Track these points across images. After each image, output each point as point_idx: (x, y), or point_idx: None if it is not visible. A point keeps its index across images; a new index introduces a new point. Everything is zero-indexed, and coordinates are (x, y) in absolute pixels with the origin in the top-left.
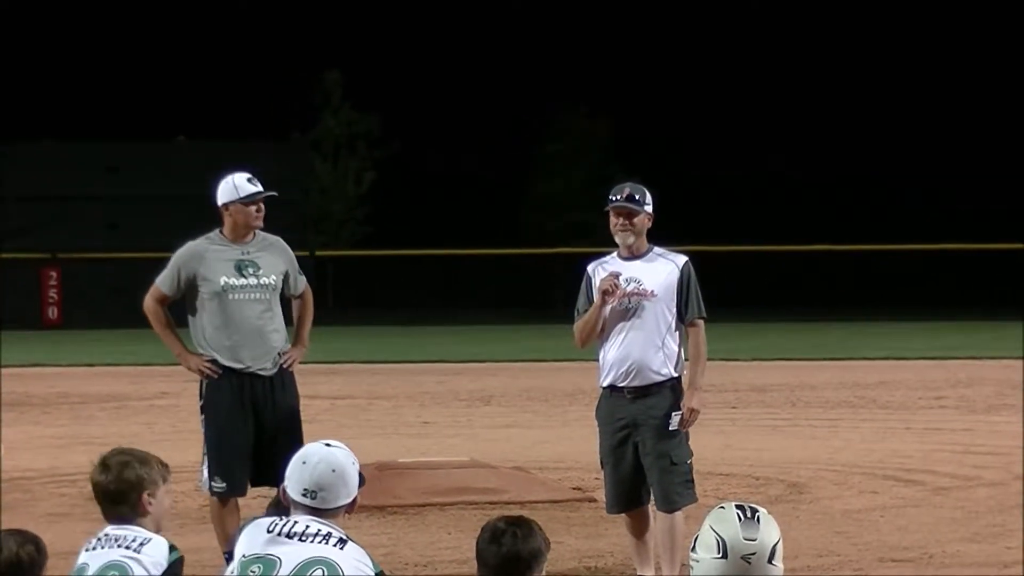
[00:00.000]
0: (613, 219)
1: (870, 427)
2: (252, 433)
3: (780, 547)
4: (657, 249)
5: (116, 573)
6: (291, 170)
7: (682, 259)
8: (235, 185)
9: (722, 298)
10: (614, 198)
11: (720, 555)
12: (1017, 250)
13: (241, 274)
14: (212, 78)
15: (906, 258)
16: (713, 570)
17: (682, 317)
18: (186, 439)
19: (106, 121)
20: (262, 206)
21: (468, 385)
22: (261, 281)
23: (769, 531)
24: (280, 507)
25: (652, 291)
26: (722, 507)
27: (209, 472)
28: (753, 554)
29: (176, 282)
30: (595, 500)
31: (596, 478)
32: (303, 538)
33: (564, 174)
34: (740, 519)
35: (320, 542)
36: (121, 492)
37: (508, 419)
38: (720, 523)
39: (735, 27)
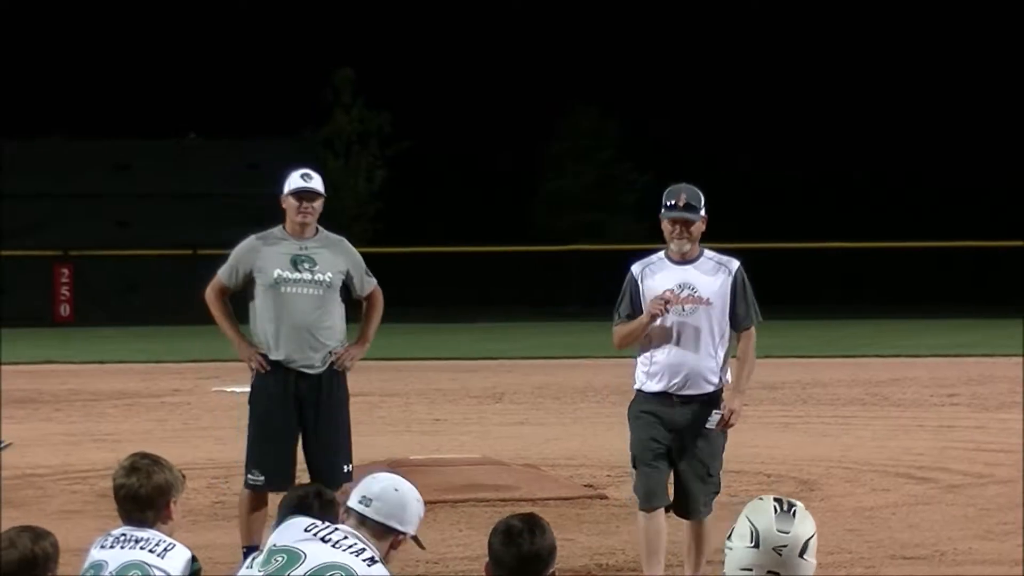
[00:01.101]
0: (669, 227)
1: (882, 424)
2: (296, 430)
3: (814, 542)
4: (708, 252)
5: (138, 573)
6: (303, 167)
7: (735, 264)
8: (289, 178)
9: None
10: (670, 203)
11: (752, 544)
12: (1017, 247)
13: (296, 268)
14: (223, 75)
15: (919, 255)
16: (745, 559)
17: (737, 323)
18: (198, 436)
19: (117, 119)
20: (309, 204)
21: (480, 382)
22: (316, 277)
23: (804, 525)
24: (299, 510)
25: (708, 299)
26: (760, 499)
27: (247, 464)
28: (785, 546)
29: (234, 274)
30: (606, 497)
31: (608, 475)
32: (336, 545)
33: (575, 172)
34: (776, 511)
35: (352, 553)
36: (150, 497)
37: (520, 416)
38: (756, 513)
39: (741, 23)
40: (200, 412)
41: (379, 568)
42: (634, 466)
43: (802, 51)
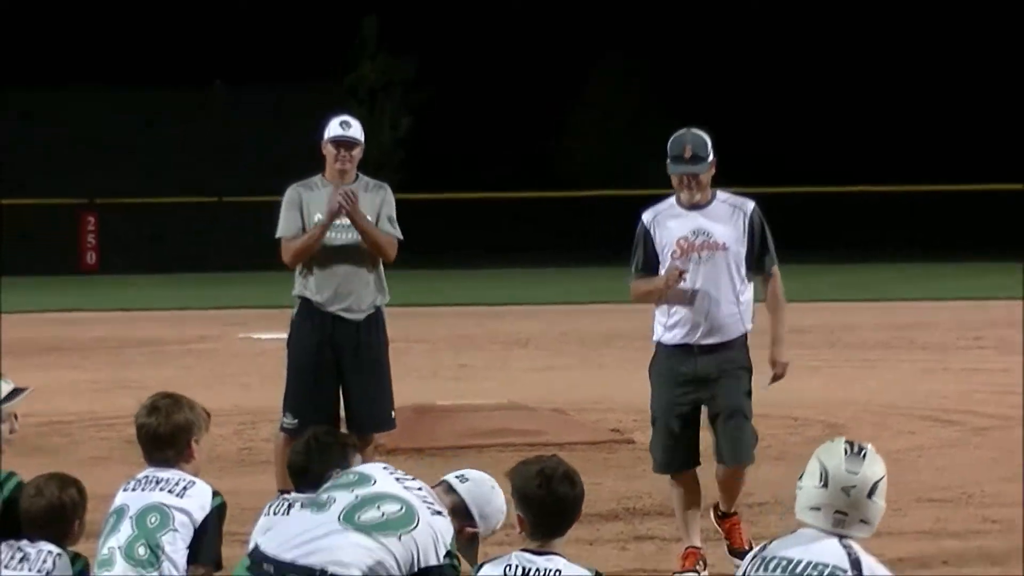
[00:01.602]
0: (676, 181)
1: (908, 368)
2: (334, 376)
3: (883, 484)
4: (721, 195)
5: (157, 517)
6: (328, 116)
7: (750, 205)
8: (328, 125)
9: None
10: (675, 156)
11: (822, 484)
12: None
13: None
14: (249, 24)
15: (946, 199)
16: (814, 499)
17: (759, 267)
18: (224, 383)
19: (144, 68)
20: (347, 152)
21: (505, 328)
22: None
23: (873, 467)
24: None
25: (723, 243)
26: (832, 440)
27: (283, 408)
28: (854, 487)
29: (292, 224)
30: (633, 442)
31: (634, 420)
32: (407, 488)
33: (601, 117)
34: (846, 453)
35: (419, 499)
36: (171, 435)
37: (545, 361)
38: (826, 454)
39: None
40: (227, 359)
41: (443, 520)
42: (653, 423)
43: None
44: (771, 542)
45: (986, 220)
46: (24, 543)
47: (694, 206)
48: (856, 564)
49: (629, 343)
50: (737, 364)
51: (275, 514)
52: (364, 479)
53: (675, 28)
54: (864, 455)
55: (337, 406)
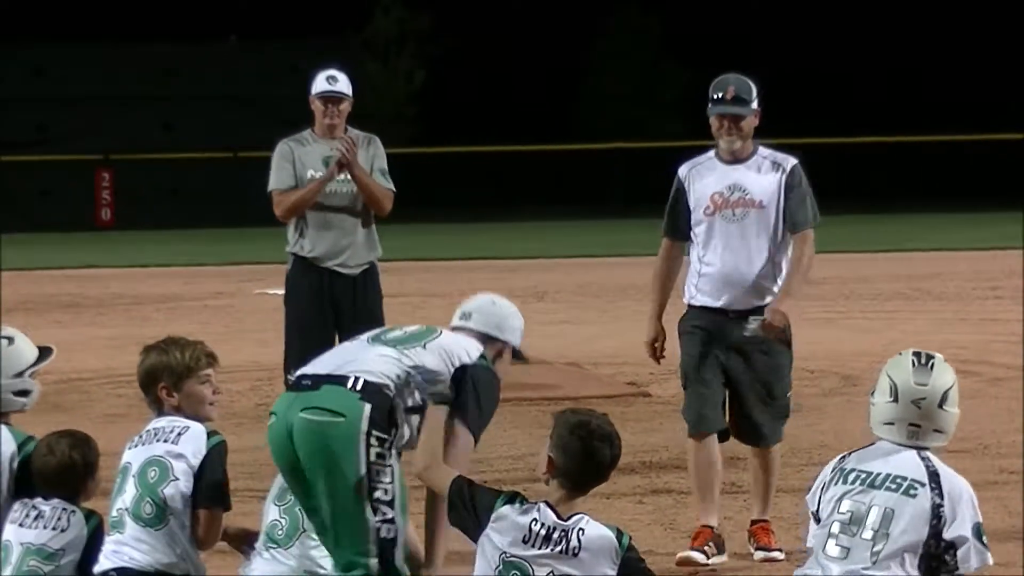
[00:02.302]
0: (716, 123)
1: (924, 319)
2: (332, 330)
3: (953, 392)
4: (763, 150)
5: (156, 470)
6: (343, 69)
7: (791, 161)
8: (315, 80)
9: None
10: (717, 96)
11: (892, 399)
12: None
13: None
14: None
15: (959, 148)
16: (887, 413)
17: (792, 225)
18: (241, 338)
19: (159, 22)
20: (335, 107)
21: (521, 281)
22: (347, 176)
23: (943, 377)
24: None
25: (760, 201)
26: (900, 354)
27: (285, 365)
28: (924, 399)
29: (284, 176)
30: (649, 395)
31: (651, 373)
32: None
33: (617, 70)
34: (914, 365)
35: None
36: (144, 384)
37: (562, 315)
38: (895, 369)
39: None
40: (243, 315)
41: (467, 337)
42: (685, 386)
43: None
44: (850, 454)
45: (1002, 170)
46: (39, 501)
47: (734, 159)
48: (934, 476)
49: (646, 296)
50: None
51: None
52: (430, 330)
53: None
54: (932, 365)
55: None
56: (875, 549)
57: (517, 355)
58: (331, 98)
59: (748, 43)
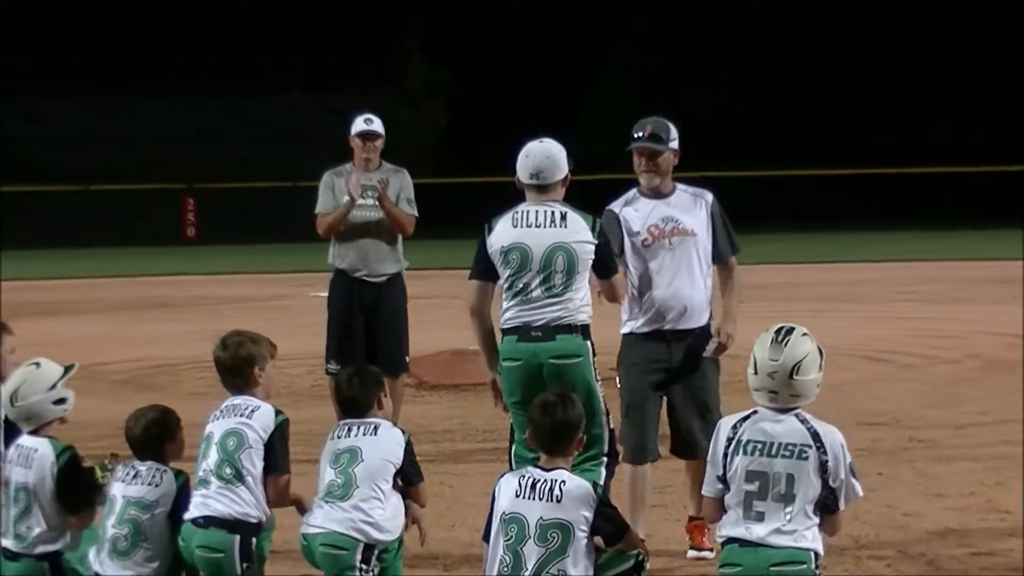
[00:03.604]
0: (636, 159)
1: (849, 317)
2: (362, 328)
3: (808, 361)
4: (681, 185)
5: (235, 440)
6: (378, 113)
7: (709, 195)
8: (354, 122)
9: (741, 214)
10: (636, 135)
11: (754, 371)
12: (960, 172)
13: (363, 195)
14: (320, 41)
15: (877, 179)
16: (752, 383)
17: (719, 255)
18: (300, 332)
19: (237, 76)
20: (371, 143)
21: None
22: (374, 203)
23: (795, 350)
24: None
25: (692, 230)
26: (767, 330)
27: (326, 356)
28: (776, 371)
29: (328, 201)
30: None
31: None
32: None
33: (605, 112)
34: (772, 342)
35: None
36: (236, 367)
37: None
38: (758, 345)
39: None
40: (300, 312)
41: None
42: (626, 415)
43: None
44: (741, 423)
45: (915, 198)
46: (136, 463)
47: (657, 195)
48: (816, 436)
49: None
50: (702, 352)
51: (337, 438)
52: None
53: (665, 38)
54: (787, 341)
55: (364, 352)
56: (787, 510)
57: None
58: (368, 136)
59: (710, 88)
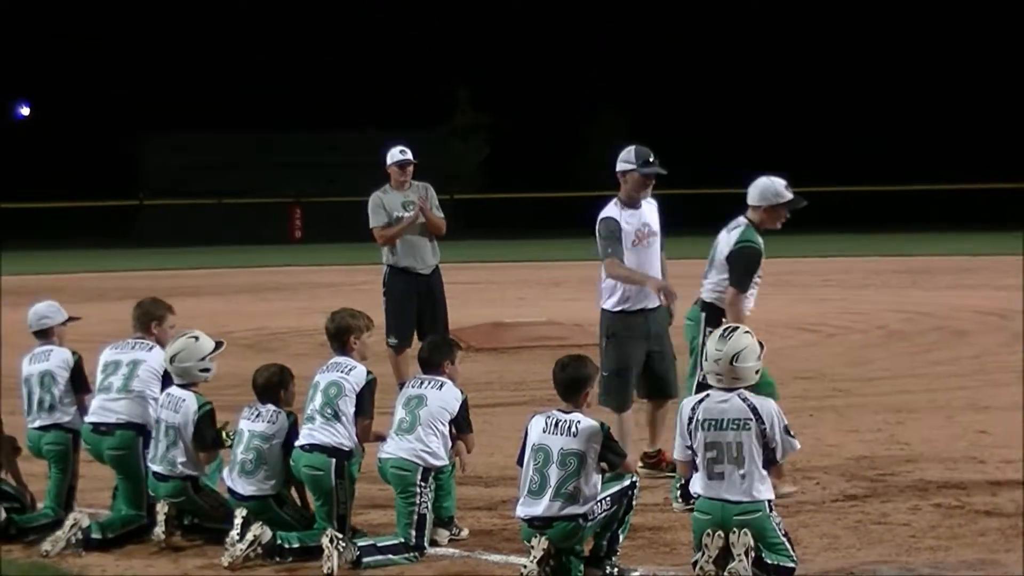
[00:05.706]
0: (644, 181)
1: (784, 299)
2: (415, 310)
3: (746, 352)
4: None
5: (335, 388)
6: (436, 148)
7: (653, 200)
8: (391, 152)
9: (702, 218)
10: (650, 161)
11: (705, 359)
12: (884, 191)
13: (405, 209)
14: (391, 90)
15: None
16: (706, 368)
17: (662, 245)
18: (380, 309)
19: (331, 118)
20: (407, 168)
21: (546, 275)
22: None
23: (735, 344)
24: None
25: (656, 231)
26: (719, 328)
27: (387, 333)
28: (719, 359)
29: (379, 216)
30: None
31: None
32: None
33: (601, 145)
34: (720, 336)
35: None
36: (337, 334)
37: (571, 296)
38: (710, 339)
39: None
40: (377, 294)
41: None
42: (617, 374)
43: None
44: (699, 404)
45: (838, 210)
46: (258, 404)
47: (634, 204)
48: (754, 410)
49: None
50: (665, 317)
51: (411, 387)
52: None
53: (649, 88)
54: (730, 337)
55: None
56: (740, 472)
57: None
58: (404, 164)
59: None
